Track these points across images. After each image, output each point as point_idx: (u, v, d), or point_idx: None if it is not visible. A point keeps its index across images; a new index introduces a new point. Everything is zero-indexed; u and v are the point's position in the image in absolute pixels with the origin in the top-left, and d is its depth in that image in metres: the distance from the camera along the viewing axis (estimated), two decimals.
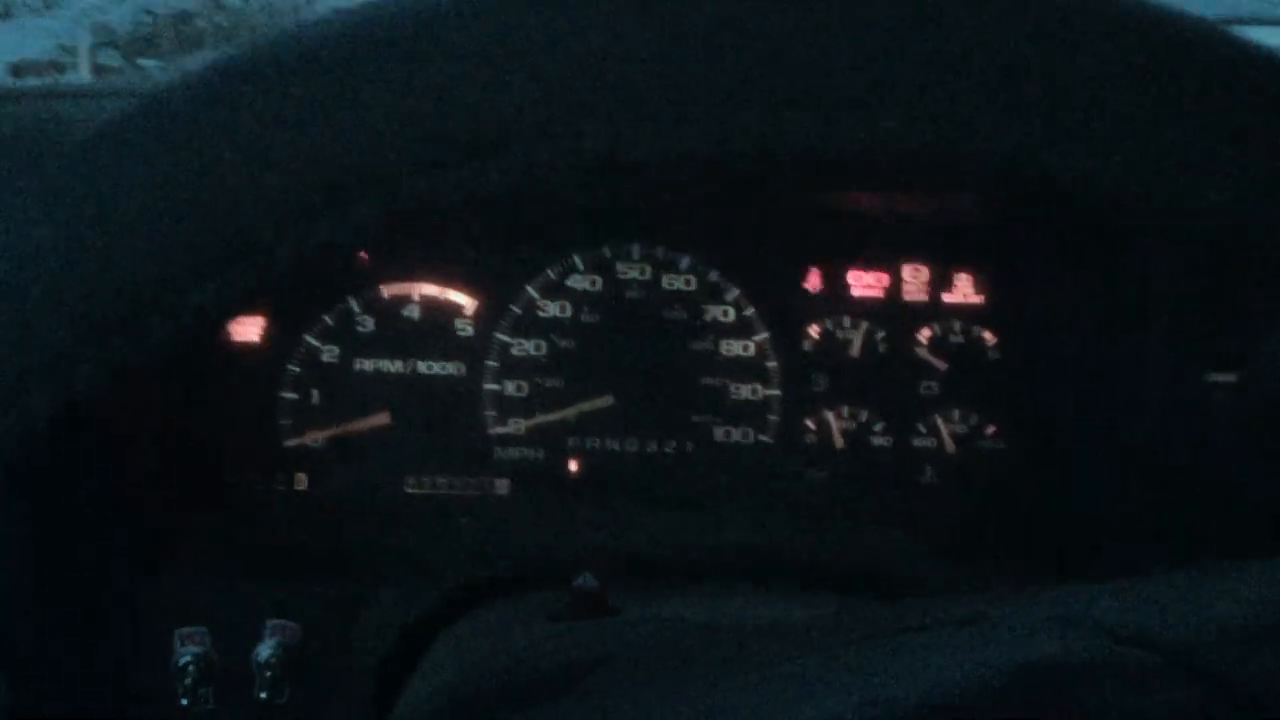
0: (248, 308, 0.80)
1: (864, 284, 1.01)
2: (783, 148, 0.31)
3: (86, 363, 0.30)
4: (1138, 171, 0.34)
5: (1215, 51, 0.34)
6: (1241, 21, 1.32)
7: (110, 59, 1.25)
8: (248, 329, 0.97)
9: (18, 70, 1.23)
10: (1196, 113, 0.33)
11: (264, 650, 0.83)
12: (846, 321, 1.01)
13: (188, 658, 0.81)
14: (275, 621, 0.83)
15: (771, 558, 0.85)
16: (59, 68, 1.25)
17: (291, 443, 0.97)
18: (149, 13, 1.09)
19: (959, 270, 1.01)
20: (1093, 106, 0.32)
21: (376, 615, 0.81)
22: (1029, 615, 0.43)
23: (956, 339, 1.02)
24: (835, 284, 1.01)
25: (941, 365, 1.02)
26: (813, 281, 1.01)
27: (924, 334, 1.02)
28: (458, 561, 0.86)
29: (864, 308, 1.01)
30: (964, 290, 1.01)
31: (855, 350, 1.01)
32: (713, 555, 0.85)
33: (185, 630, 0.82)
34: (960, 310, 1.02)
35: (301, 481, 0.97)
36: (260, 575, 0.86)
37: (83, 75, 1.31)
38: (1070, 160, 0.32)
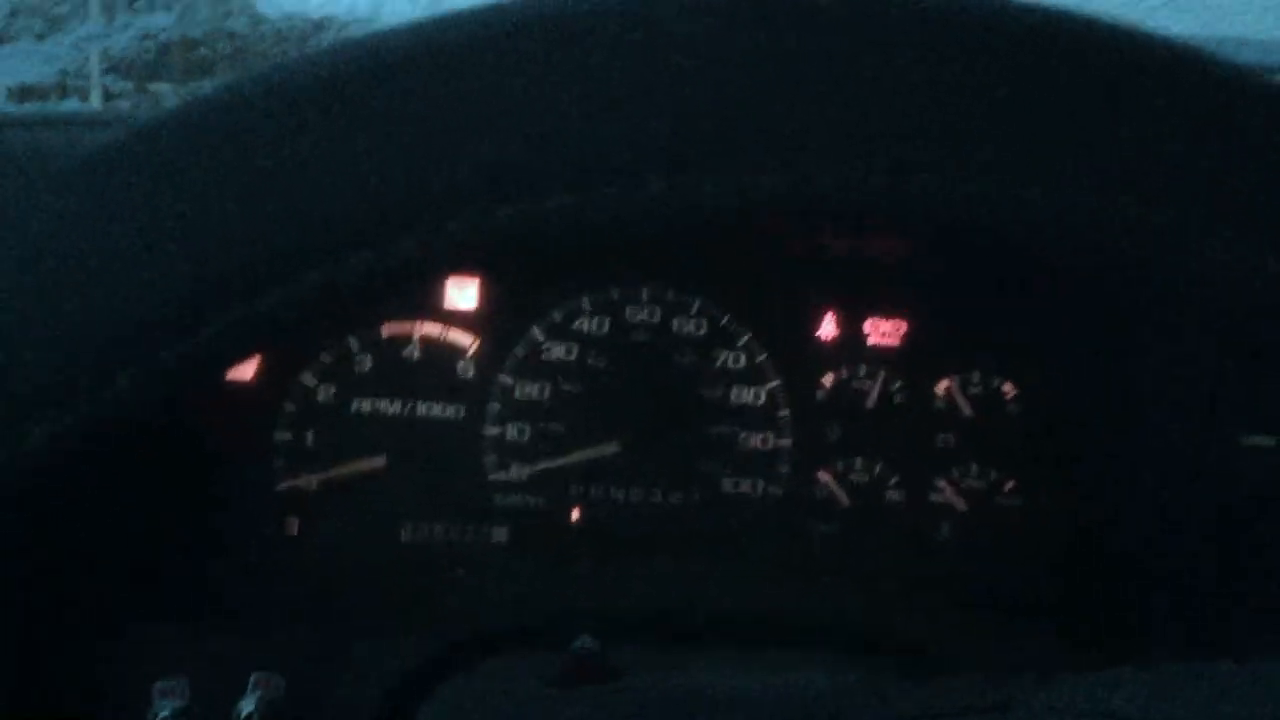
0: (242, 355, 0.77)
1: (881, 332, 0.98)
2: (781, 198, 0.28)
3: (65, 411, 0.28)
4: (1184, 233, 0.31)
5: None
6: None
7: (116, 84, 1.22)
8: (242, 367, 0.94)
9: (19, 95, 1.20)
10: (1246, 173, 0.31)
11: (246, 705, 0.78)
12: (862, 370, 0.98)
13: (166, 712, 0.77)
14: (259, 674, 0.79)
15: (779, 619, 0.81)
16: (63, 92, 1.23)
17: (284, 485, 0.94)
18: (150, 38, 1.06)
19: (980, 320, 0.98)
20: (1140, 169, 0.29)
21: (365, 670, 0.77)
22: (1054, 705, 0.40)
23: (976, 390, 0.98)
24: (851, 331, 0.98)
25: (960, 417, 0.98)
26: (828, 328, 0.98)
27: (942, 385, 0.98)
28: (452, 615, 0.82)
29: (881, 356, 0.98)
30: (984, 341, 0.98)
31: (871, 401, 0.98)
32: (719, 615, 0.81)
33: (164, 683, 0.78)
34: (980, 361, 0.98)
35: (293, 526, 0.94)
36: (246, 625, 0.82)
37: (92, 101, 1.29)
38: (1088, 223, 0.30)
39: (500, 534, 0.95)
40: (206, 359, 0.29)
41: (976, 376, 0.98)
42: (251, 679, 0.79)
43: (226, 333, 0.29)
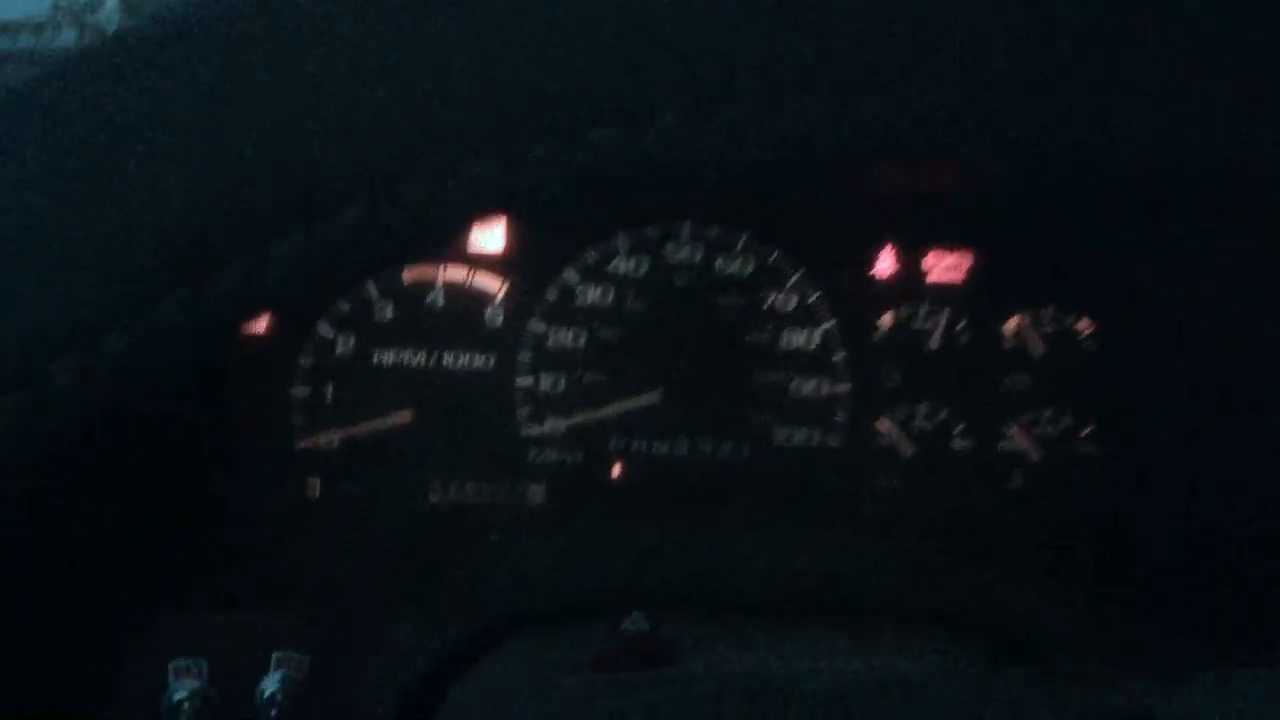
0: (259, 303, 0.71)
1: (944, 266, 0.91)
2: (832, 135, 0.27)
3: (83, 350, 0.27)
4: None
5: None
6: None
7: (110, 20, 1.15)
8: (254, 319, 0.87)
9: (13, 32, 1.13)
10: None
11: (269, 685, 0.73)
12: (924, 309, 0.90)
13: (183, 694, 0.72)
14: (281, 653, 0.73)
15: (839, 588, 0.75)
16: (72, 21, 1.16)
17: (303, 445, 0.88)
18: None
19: (1052, 251, 0.90)
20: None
21: (394, 648, 0.71)
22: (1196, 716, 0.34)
23: (1048, 328, 0.91)
24: (911, 266, 0.90)
25: (1032, 357, 0.91)
26: (885, 264, 0.90)
27: (1012, 323, 0.91)
28: (487, 585, 0.77)
29: (944, 293, 0.90)
30: (1057, 274, 0.90)
31: (934, 341, 0.91)
32: (776, 584, 0.75)
33: (181, 663, 0.73)
34: (1053, 296, 0.91)
35: (314, 488, 0.88)
36: (267, 598, 0.77)
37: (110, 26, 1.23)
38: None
39: (536, 493, 0.90)
40: (219, 308, 0.28)
41: (1049, 313, 0.91)
42: (274, 657, 0.74)
43: (242, 279, 0.27)
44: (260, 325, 0.87)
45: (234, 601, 0.76)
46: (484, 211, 0.79)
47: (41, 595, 0.70)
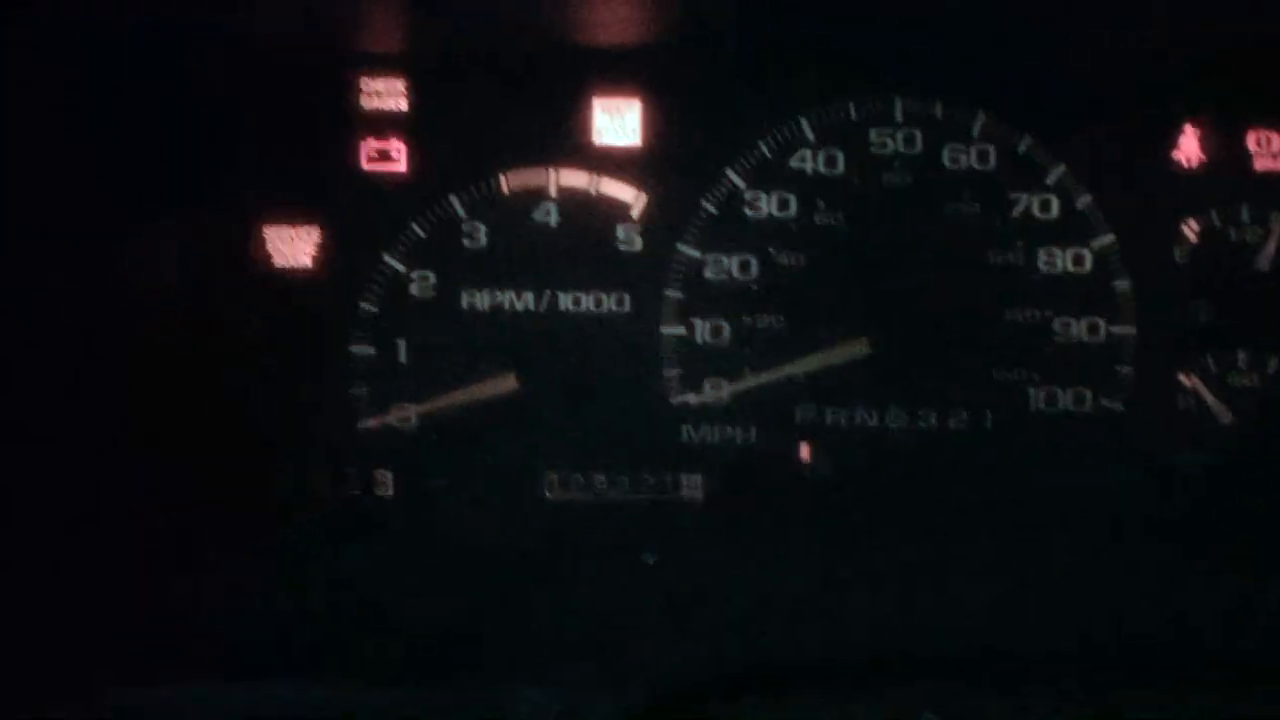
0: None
1: (1274, 151, 0.67)
2: None
3: None
4: None
5: None
6: None
7: None
8: (296, 248, 0.67)
9: None
10: None
11: None
12: (1245, 212, 0.68)
13: None
14: None
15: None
16: None
17: (369, 424, 0.67)
18: None
19: None
20: None
21: None
22: None
23: None
24: (1227, 150, 0.67)
25: None
26: (1189, 147, 0.68)
27: None
28: (637, 640, 0.54)
29: (1276, 190, 0.67)
30: None
31: (1264, 259, 0.68)
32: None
33: None
34: None
35: (384, 484, 0.68)
36: (331, 670, 0.55)
37: None
38: None
39: (692, 486, 0.68)
40: None
41: None
42: None
43: None
44: (305, 256, 0.66)
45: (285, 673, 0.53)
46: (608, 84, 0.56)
47: None
